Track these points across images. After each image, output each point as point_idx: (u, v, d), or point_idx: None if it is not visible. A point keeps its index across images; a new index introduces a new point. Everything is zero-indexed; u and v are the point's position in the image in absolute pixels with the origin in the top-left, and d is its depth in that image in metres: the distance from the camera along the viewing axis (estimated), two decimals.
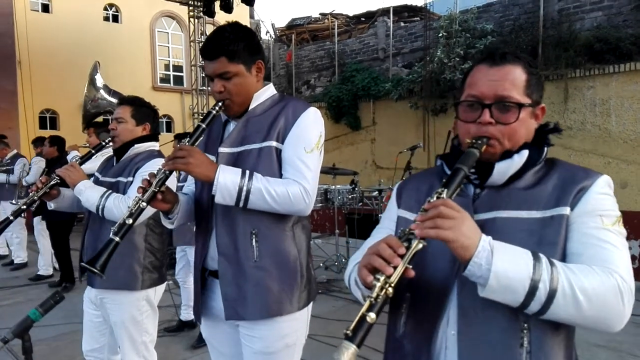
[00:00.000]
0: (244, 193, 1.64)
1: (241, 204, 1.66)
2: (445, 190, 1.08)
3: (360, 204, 7.09)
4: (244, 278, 1.72)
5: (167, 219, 1.81)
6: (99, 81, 7.44)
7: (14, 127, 10.89)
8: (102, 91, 7.35)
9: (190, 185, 1.97)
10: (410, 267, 1.01)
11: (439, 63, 11.29)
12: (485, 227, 1.11)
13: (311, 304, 1.87)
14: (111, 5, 15.55)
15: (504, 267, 0.99)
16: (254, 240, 1.72)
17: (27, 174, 6.90)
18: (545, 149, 1.22)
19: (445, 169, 1.31)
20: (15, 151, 7.35)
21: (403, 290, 1.18)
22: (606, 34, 9.40)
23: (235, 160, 1.75)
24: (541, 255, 1.03)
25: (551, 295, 0.99)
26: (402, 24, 14.46)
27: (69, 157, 5.99)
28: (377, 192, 7.32)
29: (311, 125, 1.77)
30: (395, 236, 1.06)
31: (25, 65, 12.71)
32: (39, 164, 6.77)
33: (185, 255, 4.37)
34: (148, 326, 2.56)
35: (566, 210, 1.11)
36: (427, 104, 12.03)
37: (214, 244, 1.78)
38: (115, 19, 15.81)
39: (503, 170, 1.17)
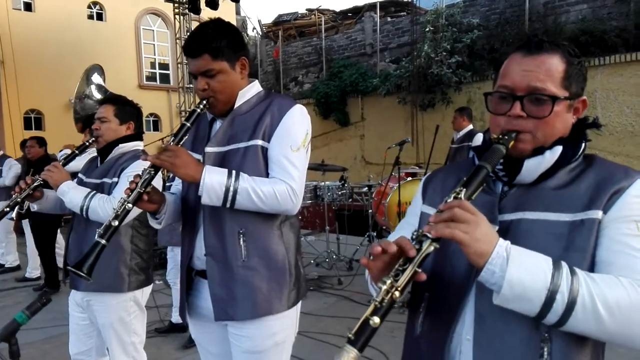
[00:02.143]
0: (230, 193, 1.62)
1: (228, 204, 1.64)
2: (465, 190, 1.01)
3: (350, 200, 7.10)
4: (232, 278, 1.71)
5: (155, 219, 1.79)
6: (96, 79, 7.30)
7: None
8: (93, 88, 7.21)
9: (177, 185, 1.95)
10: (420, 270, 0.96)
11: (426, 58, 11.31)
12: (510, 228, 1.06)
13: (300, 302, 1.86)
14: (95, 3, 15.40)
15: (519, 275, 0.93)
16: (241, 240, 1.70)
17: None
18: (582, 145, 1.13)
19: (476, 162, 1.20)
20: (1, 152, 7.24)
21: (422, 289, 1.14)
22: (591, 27, 9.48)
23: (222, 160, 1.74)
24: (562, 263, 0.96)
25: (570, 307, 0.93)
26: (389, 19, 14.47)
27: (59, 155, 5.96)
28: (366, 188, 7.33)
29: (297, 123, 1.76)
30: (407, 238, 1.01)
31: (9, 65, 12.54)
32: (14, 168, 6.69)
33: (175, 256, 4.34)
34: (137, 327, 2.54)
35: (598, 214, 1.02)
36: (415, 99, 12.05)
37: (201, 244, 1.76)
38: (100, 17, 15.65)
39: (533, 167, 1.09)
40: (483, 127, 11.38)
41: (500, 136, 1.09)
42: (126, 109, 2.59)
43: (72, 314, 2.57)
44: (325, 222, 6.63)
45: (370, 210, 6.60)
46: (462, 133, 5.83)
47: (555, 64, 1.09)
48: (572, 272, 0.95)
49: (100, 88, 7.24)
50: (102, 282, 2.32)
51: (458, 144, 5.82)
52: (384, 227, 7.10)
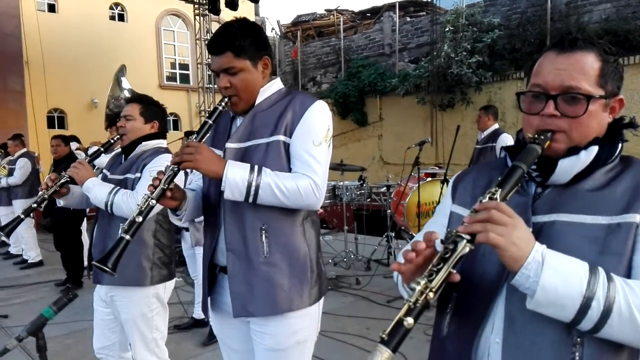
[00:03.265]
0: (253, 188, 1.63)
1: (250, 200, 1.65)
2: (500, 190, 0.99)
3: (369, 200, 7.08)
4: (253, 274, 1.71)
5: (175, 216, 1.80)
6: (125, 84, 7.51)
7: (23, 126, 10.96)
8: (126, 92, 7.42)
9: (198, 181, 1.97)
10: (455, 271, 0.94)
11: (446, 58, 11.23)
12: (543, 231, 1.04)
13: (322, 299, 1.86)
14: (117, 5, 15.61)
15: (553, 281, 0.91)
16: (263, 236, 1.71)
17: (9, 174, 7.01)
18: (619, 145, 1.10)
19: (508, 162, 1.18)
20: (24, 150, 7.38)
21: (450, 289, 1.11)
22: (615, 27, 9.32)
23: (242, 156, 1.74)
24: (599, 269, 0.94)
25: (605, 315, 0.91)
26: (408, 18, 14.40)
27: (89, 151, 6.17)
28: (385, 188, 7.30)
29: (319, 118, 1.76)
30: (432, 231, 1.01)
31: (33, 65, 12.79)
32: (25, 167, 6.94)
33: (194, 253, 4.36)
34: (158, 323, 2.57)
35: (636, 217, 0.99)
36: (434, 99, 11.98)
37: (223, 240, 1.77)
38: (121, 17, 15.87)
39: (567, 168, 1.06)
40: (504, 127, 11.25)
41: (536, 136, 1.07)
42: (151, 109, 2.64)
43: (96, 308, 2.61)
44: (343, 222, 6.62)
45: (389, 211, 6.57)
46: (486, 133, 5.54)
47: (590, 62, 1.07)
48: (609, 279, 0.93)
49: (131, 92, 7.43)
50: (124, 276, 2.35)
51: (482, 144, 5.56)
52: (403, 228, 7.07)
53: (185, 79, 17.47)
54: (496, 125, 5.60)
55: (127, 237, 1.54)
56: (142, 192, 1.67)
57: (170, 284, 2.65)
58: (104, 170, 2.68)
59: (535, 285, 0.92)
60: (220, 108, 1.74)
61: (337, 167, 6.33)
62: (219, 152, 1.76)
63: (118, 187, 2.43)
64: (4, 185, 7.01)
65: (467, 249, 0.95)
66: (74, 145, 6.89)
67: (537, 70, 1.12)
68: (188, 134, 5.40)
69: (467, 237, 0.95)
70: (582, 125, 1.06)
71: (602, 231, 1.00)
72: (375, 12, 16.05)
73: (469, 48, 11.04)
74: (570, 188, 1.07)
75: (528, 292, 0.94)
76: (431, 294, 0.91)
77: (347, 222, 6.62)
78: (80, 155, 6.75)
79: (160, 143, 2.64)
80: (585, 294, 0.91)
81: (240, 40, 1.71)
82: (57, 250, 6.12)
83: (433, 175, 7.24)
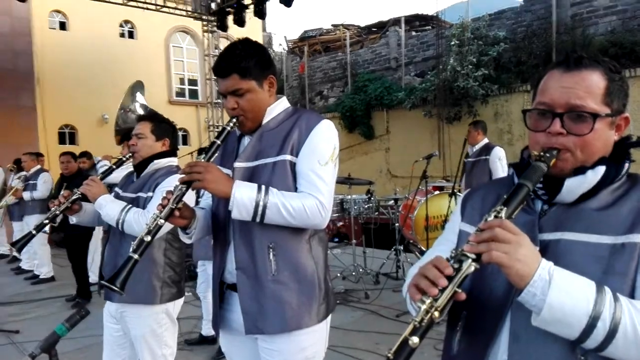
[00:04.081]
0: (260, 208, 1.65)
1: (258, 219, 1.67)
2: (505, 208, 1.00)
3: (377, 213, 7.08)
4: (262, 292, 1.73)
5: (185, 234, 1.83)
6: (140, 98, 7.62)
7: (34, 143, 11.10)
8: (137, 105, 7.51)
9: (207, 199, 2.00)
10: (460, 290, 0.95)
11: (452, 71, 11.30)
12: (549, 248, 1.04)
13: (330, 316, 1.87)
14: (127, 22, 15.83)
15: (560, 300, 0.91)
16: (271, 254, 1.73)
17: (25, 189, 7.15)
18: (626, 165, 1.09)
19: (515, 179, 1.18)
20: (39, 166, 7.50)
21: (460, 308, 1.11)
22: (621, 39, 9.34)
23: (250, 175, 1.77)
24: (606, 289, 0.94)
25: (611, 335, 0.91)
26: (413, 33, 14.51)
27: (97, 166, 6.32)
28: (393, 201, 7.31)
29: (325, 138, 1.78)
30: (444, 258, 1.00)
31: (43, 82, 12.99)
32: (48, 182, 7.10)
33: (206, 270, 4.39)
34: (168, 339, 2.59)
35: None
36: (441, 112, 12.02)
37: (232, 258, 1.79)
38: (131, 35, 16.09)
39: (574, 187, 1.06)
40: (511, 139, 11.26)
41: (542, 154, 1.07)
42: (162, 126, 2.67)
43: (106, 325, 2.63)
44: (351, 236, 6.62)
45: (397, 224, 6.57)
46: (478, 147, 5.76)
47: (596, 80, 1.07)
48: (616, 299, 0.93)
49: (144, 107, 7.52)
50: (135, 294, 2.37)
51: (475, 157, 5.75)
52: (411, 241, 7.06)
53: (194, 94, 17.63)
54: (486, 140, 5.81)
55: (136, 256, 1.55)
56: (152, 213, 1.70)
57: (180, 301, 2.66)
58: (116, 189, 2.71)
59: (541, 302, 0.92)
60: (229, 128, 1.77)
61: (344, 180, 6.35)
62: (228, 171, 1.79)
63: (130, 206, 2.45)
64: (29, 199, 7.10)
65: (472, 268, 0.95)
66: (97, 158, 7.03)
67: (542, 88, 1.13)
68: (201, 151, 5.42)
69: (473, 256, 0.96)
70: (588, 144, 1.06)
71: (606, 251, 1.00)
72: (381, 27, 16.18)
73: (475, 61, 11.10)
74: (576, 206, 1.07)
75: (534, 309, 0.95)
76: (437, 313, 0.92)
77: (355, 235, 6.62)
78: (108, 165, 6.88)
79: (172, 161, 2.67)
80: (591, 314, 0.91)
81: (245, 62, 1.75)
82: (71, 262, 6.16)
83: (441, 188, 7.25)
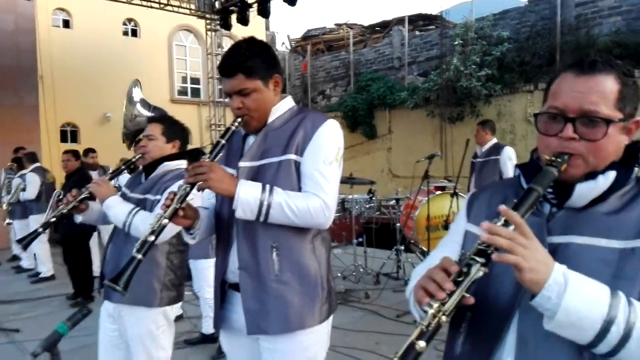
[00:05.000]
0: (264, 208, 1.65)
1: (262, 219, 1.67)
2: (515, 212, 0.99)
3: (378, 213, 7.08)
4: (265, 292, 1.73)
5: (189, 235, 1.83)
6: (137, 96, 7.63)
7: (36, 140, 11.08)
8: (138, 106, 7.52)
9: (211, 199, 1.99)
10: (468, 295, 0.95)
11: (455, 71, 11.28)
12: (558, 252, 1.03)
13: (331, 316, 1.87)
14: (130, 20, 15.85)
15: (576, 304, 0.91)
16: (274, 254, 1.72)
17: (24, 189, 7.15)
18: (636, 169, 1.09)
19: (522, 181, 1.18)
20: (36, 164, 7.48)
21: (464, 309, 1.08)
22: (625, 39, 9.33)
23: (255, 174, 1.76)
24: (620, 293, 0.93)
25: (623, 340, 0.91)
26: (417, 32, 14.49)
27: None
28: (394, 201, 7.30)
29: (330, 137, 1.78)
30: (452, 260, 1.00)
31: (47, 79, 12.98)
32: (34, 182, 7.12)
33: (196, 267, 4.36)
34: (164, 342, 2.56)
35: None
36: (443, 112, 12.01)
37: (235, 258, 1.79)
38: (134, 33, 16.10)
39: (584, 192, 1.05)
40: (513, 139, 11.24)
41: (553, 158, 1.06)
42: (173, 128, 2.66)
43: (102, 324, 2.60)
44: (352, 235, 6.62)
45: (398, 224, 6.56)
46: (487, 147, 5.75)
47: (610, 85, 1.06)
48: (630, 303, 0.93)
49: (144, 103, 7.51)
50: (134, 295, 2.34)
51: (484, 157, 5.73)
52: (412, 241, 7.05)
53: (196, 93, 17.64)
54: (495, 139, 5.79)
55: (139, 256, 1.55)
56: (156, 213, 1.69)
57: (178, 304, 2.65)
58: (123, 188, 2.70)
59: (556, 307, 0.91)
60: (234, 128, 1.76)
61: (346, 180, 6.34)
62: (232, 171, 1.79)
63: (138, 208, 2.43)
64: (22, 200, 7.15)
65: (480, 273, 0.95)
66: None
67: (554, 92, 1.11)
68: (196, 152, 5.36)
69: (481, 260, 0.95)
70: (600, 150, 1.05)
71: (615, 255, 0.99)
72: (384, 26, 16.17)
73: (478, 61, 11.09)
74: (585, 210, 1.07)
75: (547, 313, 0.94)
76: (444, 318, 0.91)
77: (356, 235, 6.61)
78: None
79: (181, 164, 2.63)
80: (606, 318, 0.90)
81: (250, 61, 1.74)
82: (66, 264, 6.17)
83: (442, 188, 7.23)
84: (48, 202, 6.60)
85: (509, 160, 5.44)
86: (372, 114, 14.15)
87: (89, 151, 7.58)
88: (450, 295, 0.93)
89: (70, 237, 6.00)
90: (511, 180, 1.26)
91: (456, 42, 11.61)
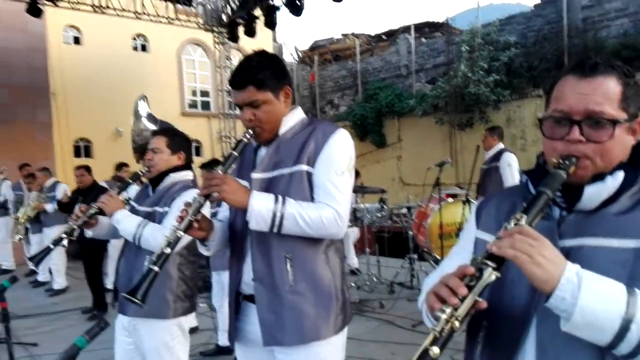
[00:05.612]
0: (277, 219, 1.66)
1: (275, 230, 1.68)
2: (525, 216, 0.99)
3: (390, 221, 7.06)
4: (280, 303, 1.74)
5: (204, 246, 1.85)
6: (143, 111, 7.70)
7: (50, 157, 11.23)
8: (145, 121, 7.58)
9: (225, 211, 2.01)
10: (481, 300, 0.94)
11: (463, 77, 11.27)
12: (571, 255, 1.00)
13: (346, 327, 1.87)
14: (139, 35, 16.04)
15: (592, 303, 0.89)
16: (288, 265, 1.73)
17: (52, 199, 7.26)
18: None
19: (530, 187, 1.17)
20: (54, 179, 7.62)
21: (480, 317, 1.08)
22: (633, 41, 9.27)
23: (268, 186, 1.78)
24: (636, 290, 0.92)
25: None
26: (423, 40, 14.51)
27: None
28: (406, 209, 7.28)
29: (341, 148, 1.79)
30: (467, 265, 0.99)
31: (59, 96, 13.16)
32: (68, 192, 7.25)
33: (220, 279, 4.40)
34: (180, 353, 2.58)
35: None
36: (452, 119, 11.98)
37: (249, 269, 1.80)
38: (144, 48, 16.29)
39: (594, 195, 1.04)
40: (524, 145, 11.18)
41: (561, 161, 1.05)
42: (177, 140, 2.70)
43: (118, 337, 2.62)
44: (365, 245, 6.61)
45: (411, 232, 6.54)
46: (491, 153, 5.64)
47: (612, 86, 1.06)
48: None
49: (150, 117, 7.57)
50: (148, 308, 2.35)
51: (488, 164, 5.63)
52: (425, 249, 7.02)
53: (206, 105, 17.77)
54: (501, 145, 5.65)
55: (156, 268, 1.57)
56: (170, 226, 1.71)
57: (192, 314, 2.67)
58: (131, 202, 2.74)
59: (572, 307, 0.90)
60: (245, 140, 1.78)
61: (357, 189, 6.35)
62: (245, 183, 1.81)
63: (147, 221, 2.47)
64: (52, 211, 7.21)
65: (492, 277, 0.94)
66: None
67: (557, 95, 1.11)
68: (204, 166, 5.34)
69: (493, 264, 0.94)
70: (608, 151, 1.05)
71: (631, 255, 0.98)
72: (390, 35, 16.22)
73: (486, 67, 11.07)
74: (596, 212, 1.06)
75: (564, 314, 0.92)
76: (457, 323, 0.91)
77: (368, 244, 6.60)
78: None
79: (187, 175, 2.68)
80: (624, 316, 0.89)
81: (261, 74, 1.76)
82: (88, 276, 6.20)
83: (454, 195, 7.21)
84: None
85: (508, 166, 5.32)
86: (381, 122, 14.15)
87: (123, 165, 7.64)
88: (463, 299, 0.93)
89: (88, 251, 6.06)
90: (519, 186, 1.25)
91: (463, 49, 11.60)
